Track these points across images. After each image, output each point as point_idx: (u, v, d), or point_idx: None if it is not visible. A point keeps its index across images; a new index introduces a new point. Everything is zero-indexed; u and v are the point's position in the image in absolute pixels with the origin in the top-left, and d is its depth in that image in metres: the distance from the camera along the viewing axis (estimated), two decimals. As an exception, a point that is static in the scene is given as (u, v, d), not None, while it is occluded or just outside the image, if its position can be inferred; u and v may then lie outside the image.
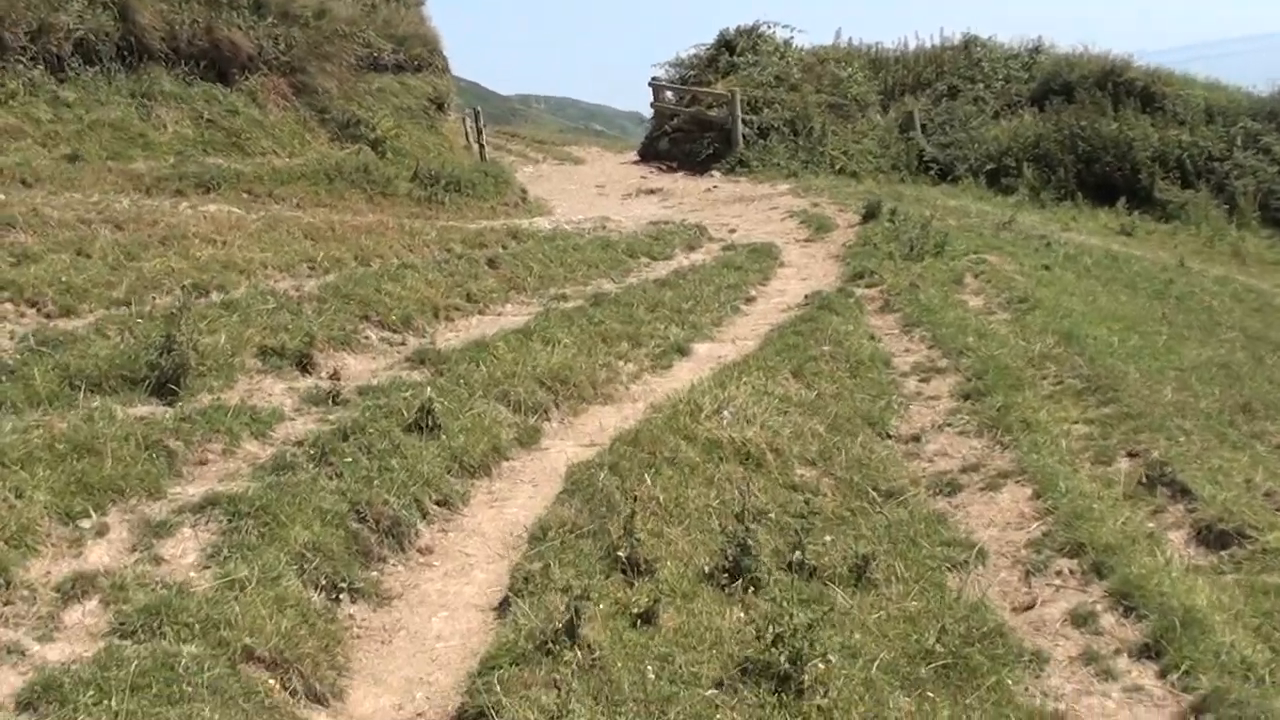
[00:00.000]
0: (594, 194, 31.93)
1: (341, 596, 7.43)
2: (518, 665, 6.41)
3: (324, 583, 7.41)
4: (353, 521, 8.08)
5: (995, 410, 12.42)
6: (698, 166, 35.28)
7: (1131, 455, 11.82)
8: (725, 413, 10.97)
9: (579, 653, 6.51)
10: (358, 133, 23.45)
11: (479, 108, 32.08)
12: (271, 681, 6.17)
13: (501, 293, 15.48)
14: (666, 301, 16.08)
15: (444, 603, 7.72)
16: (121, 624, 6.36)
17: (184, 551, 7.25)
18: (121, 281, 11.87)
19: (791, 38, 40.06)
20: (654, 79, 39.46)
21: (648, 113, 42.13)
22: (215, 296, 12.29)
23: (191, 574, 6.97)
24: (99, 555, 7.12)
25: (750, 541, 8.04)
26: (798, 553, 8.52)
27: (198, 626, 6.37)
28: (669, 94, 39.23)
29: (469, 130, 30.09)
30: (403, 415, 9.85)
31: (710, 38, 40.52)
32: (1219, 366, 16.29)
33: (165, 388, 9.52)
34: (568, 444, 10.82)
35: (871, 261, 19.30)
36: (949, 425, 12.38)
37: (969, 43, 42.11)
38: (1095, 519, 9.83)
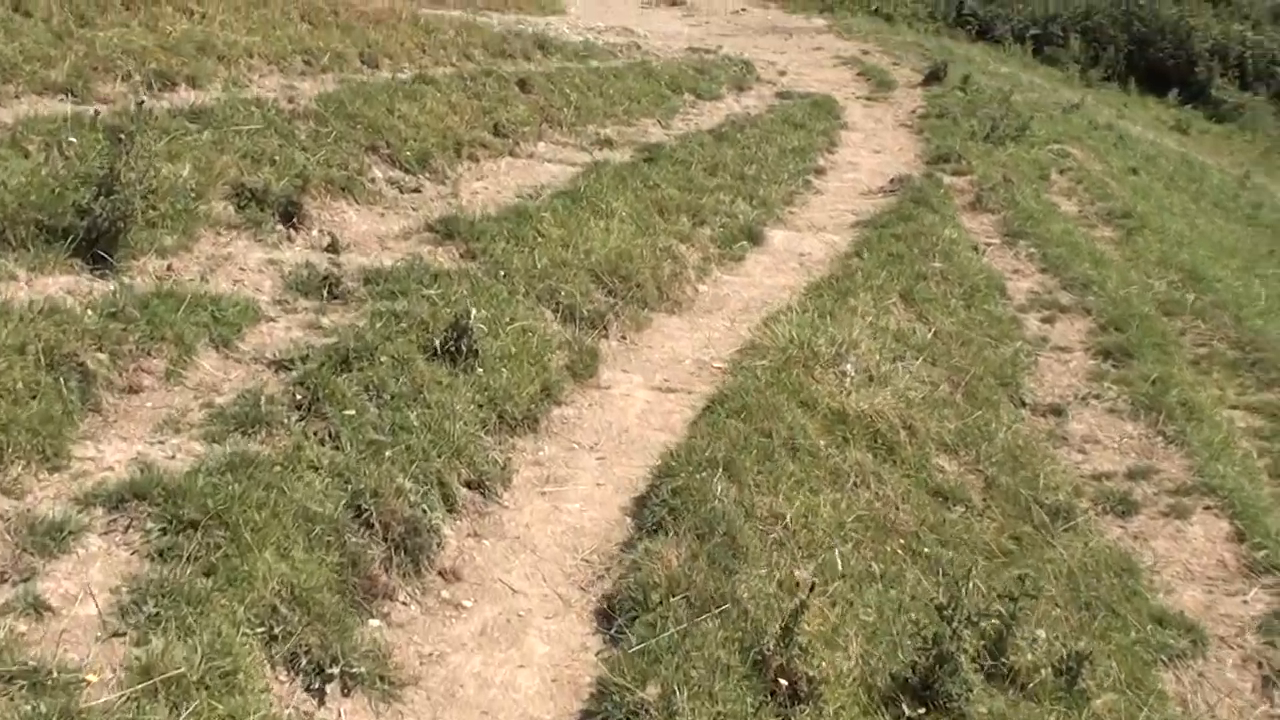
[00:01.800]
0: (609, -6, 28.96)
1: (329, 688, 4.56)
2: None
3: (304, 664, 4.55)
4: (351, 532, 5.19)
5: (1149, 384, 9.74)
6: (723, -19, 32.19)
7: (1318, 467, 9.29)
8: (848, 366, 8.17)
9: None
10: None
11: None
12: None
13: (534, 126, 12.47)
14: (728, 163, 13.14)
15: (487, 707, 4.85)
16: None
17: (83, 592, 4.34)
18: (65, 57, 8.77)
19: None
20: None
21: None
22: (185, 94, 9.21)
23: (91, 650, 4.08)
24: (-59, 595, 4.23)
25: (955, 650, 5.23)
26: (998, 652, 5.79)
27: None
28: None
29: (485, -96, 26.77)
30: (427, 329, 6.89)
31: None
32: (1363, 335, 13.72)
33: (95, 248, 6.51)
34: (634, 379, 7.97)
35: (953, 140, 16.40)
36: (1095, 397, 9.71)
37: (1029, -110, 38.79)
38: (1341, 598, 7.21)
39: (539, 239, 8.98)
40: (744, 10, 29.26)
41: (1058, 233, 13.22)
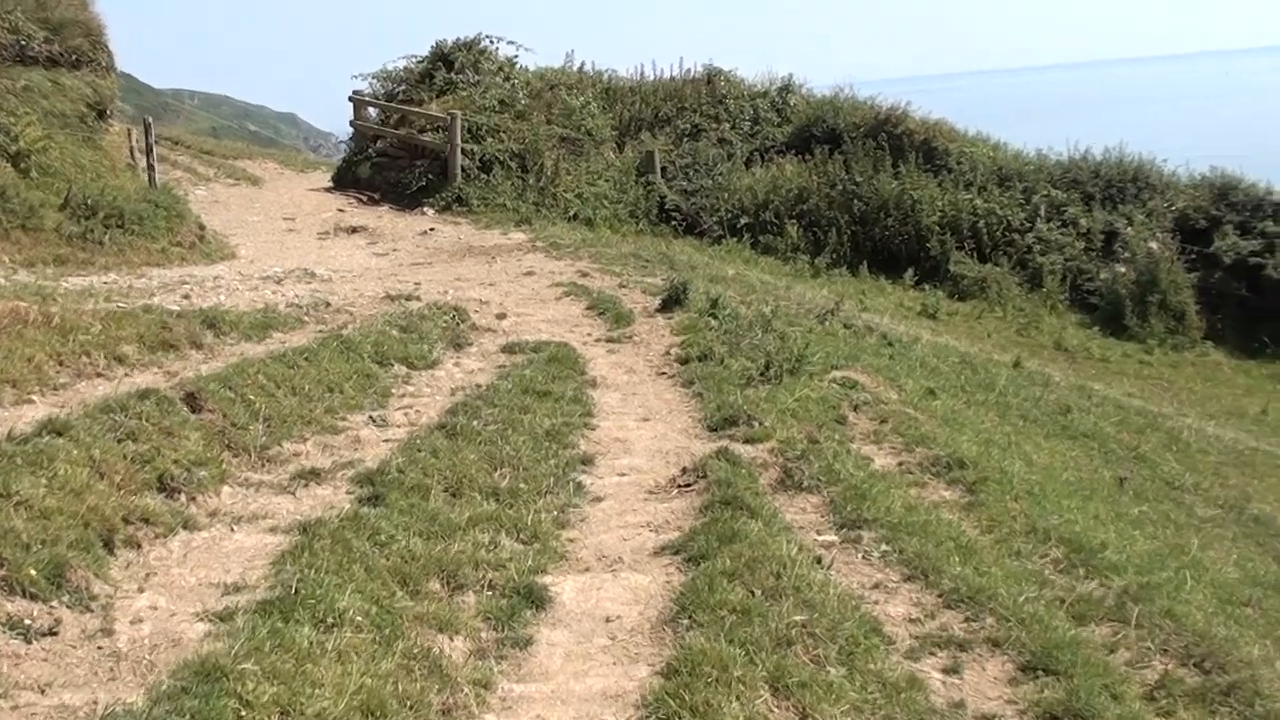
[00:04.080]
0: (283, 229, 26.50)
1: None
2: None
3: None
4: None
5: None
6: (406, 200, 29.81)
7: None
8: None
9: None
10: (-6, 143, 17.75)
11: (149, 119, 25.43)
12: None
13: (214, 467, 9.09)
14: (473, 474, 9.86)
15: None
16: None
17: None
18: None
19: (517, 56, 34.43)
20: (355, 93, 33.05)
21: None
22: None
23: None
24: None
25: None
26: None
27: None
28: (372, 112, 33.06)
29: (134, 145, 23.52)
30: None
31: (394, 49, 34.50)
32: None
33: None
34: None
35: (730, 391, 13.41)
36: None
37: (712, 76, 37.36)
38: None
39: (244, 716, 5.58)
40: (432, 230, 26.39)
41: (900, 512, 10.25)
